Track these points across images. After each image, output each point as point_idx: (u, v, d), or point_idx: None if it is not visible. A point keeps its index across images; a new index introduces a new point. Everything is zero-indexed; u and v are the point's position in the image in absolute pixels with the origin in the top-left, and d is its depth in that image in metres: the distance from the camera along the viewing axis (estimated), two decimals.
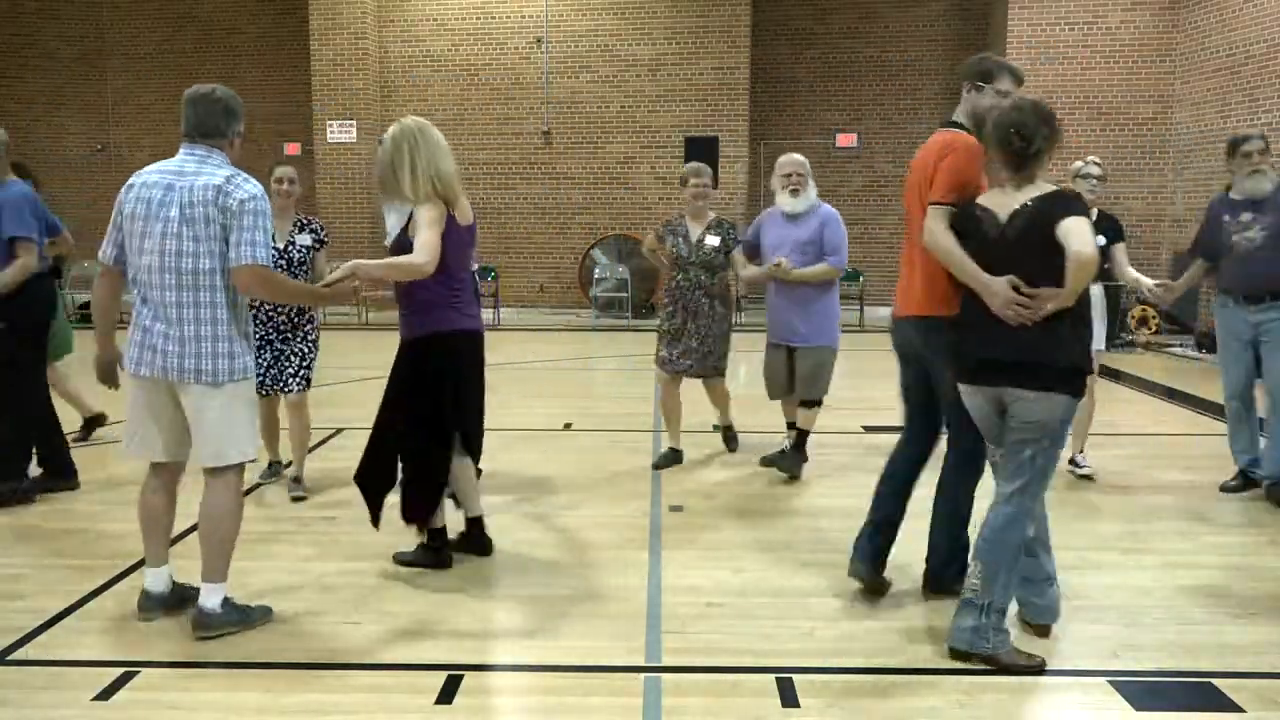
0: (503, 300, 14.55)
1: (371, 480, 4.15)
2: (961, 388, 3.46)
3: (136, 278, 3.43)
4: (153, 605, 3.65)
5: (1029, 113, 3.29)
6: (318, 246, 5.21)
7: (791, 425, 5.95)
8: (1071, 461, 5.66)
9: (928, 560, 3.93)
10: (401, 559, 4.26)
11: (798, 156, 5.65)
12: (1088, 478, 5.60)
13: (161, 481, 3.64)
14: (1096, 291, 5.30)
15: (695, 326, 5.74)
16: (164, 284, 3.35)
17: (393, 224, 4.43)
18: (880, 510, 3.87)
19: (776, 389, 5.82)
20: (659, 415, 7.43)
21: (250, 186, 3.40)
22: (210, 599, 3.47)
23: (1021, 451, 3.29)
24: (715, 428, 6.45)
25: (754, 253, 5.76)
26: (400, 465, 4.14)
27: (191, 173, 3.38)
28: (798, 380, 5.62)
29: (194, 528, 3.72)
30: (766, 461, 5.94)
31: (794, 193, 5.56)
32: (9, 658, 3.36)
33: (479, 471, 4.53)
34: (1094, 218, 5.24)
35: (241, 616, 3.54)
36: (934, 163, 3.57)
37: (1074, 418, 5.45)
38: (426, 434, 4.05)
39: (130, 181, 3.46)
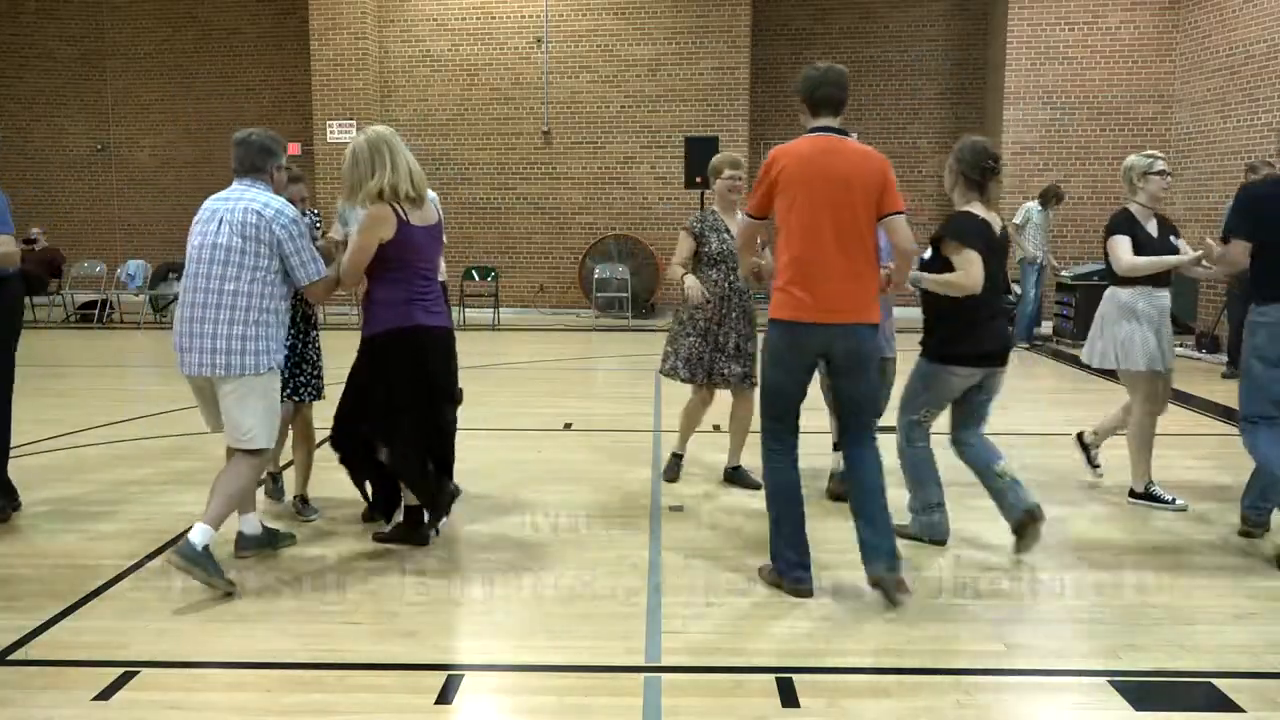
0: (503, 300, 14.54)
1: (356, 472, 4.48)
2: (962, 370, 4.33)
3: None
4: (247, 545, 4.28)
5: (990, 145, 4.41)
6: (316, 234, 4.90)
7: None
8: (1089, 456, 5.73)
9: (892, 556, 3.84)
10: (381, 537, 4.49)
11: None
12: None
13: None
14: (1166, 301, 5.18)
15: (752, 330, 5.31)
16: (194, 287, 3.90)
17: (353, 229, 4.26)
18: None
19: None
20: (659, 415, 7.43)
21: (289, 211, 3.96)
22: (200, 536, 3.78)
23: (990, 407, 4.48)
24: (731, 470, 5.61)
25: None
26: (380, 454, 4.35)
27: (235, 199, 3.97)
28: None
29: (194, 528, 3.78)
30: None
31: None
32: (9, 658, 3.37)
33: (456, 488, 4.46)
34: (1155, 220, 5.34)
35: (215, 570, 3.79)
36: (879, 177, 3.82)
37: (1134, 431, 5.31)
38: (386, 424, 4.25)
39: (201, 207, 4.03)
